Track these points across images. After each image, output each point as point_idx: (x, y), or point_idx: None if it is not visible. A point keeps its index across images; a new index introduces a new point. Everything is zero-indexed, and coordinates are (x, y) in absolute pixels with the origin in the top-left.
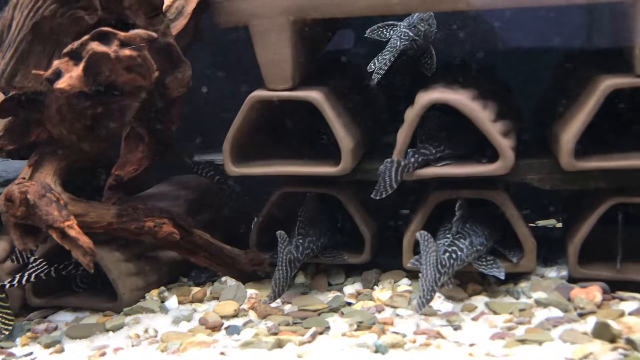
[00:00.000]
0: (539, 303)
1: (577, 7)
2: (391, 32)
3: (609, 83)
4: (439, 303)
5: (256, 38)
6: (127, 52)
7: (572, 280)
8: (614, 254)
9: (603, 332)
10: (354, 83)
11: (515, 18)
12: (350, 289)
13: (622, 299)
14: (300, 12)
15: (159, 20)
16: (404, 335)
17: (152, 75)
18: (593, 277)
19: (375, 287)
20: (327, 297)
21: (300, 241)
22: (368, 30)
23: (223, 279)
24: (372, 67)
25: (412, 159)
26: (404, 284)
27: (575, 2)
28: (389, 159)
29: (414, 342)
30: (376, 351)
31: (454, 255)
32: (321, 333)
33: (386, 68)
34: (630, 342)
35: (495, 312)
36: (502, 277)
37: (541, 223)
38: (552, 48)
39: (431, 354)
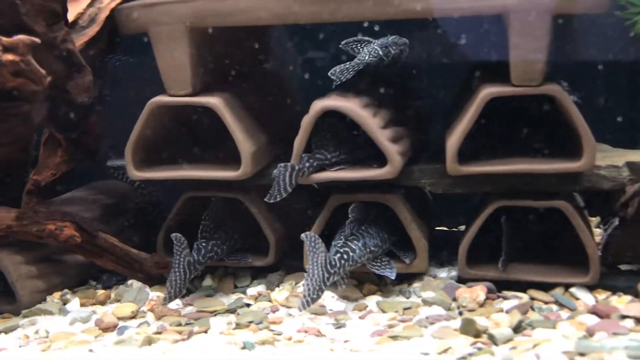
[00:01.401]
0: (426, 302)
1: (481, 19)
2: (364, 47)
3: (487, 92)
4: (332, 302)
5: (156, 45)
6: (9, 56)
7: (462, 280)
8: (506, 255)
9: (468, 328)
10: (283, 93)
11: (425, 32)
12: (253, 290)
13: (505, 298)
14: (198, 20)
15: (59, 27)
16: (280, 333)
17: (42, 80)
18: (480, 277)
19: (277, 288)
20: (230, 299)
21: (203, 244)
22: (343, 42)
23: (129, 282)
24: (334, 72)
25: (307, 164)
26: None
27: (448, 14)
28: (282, 164)
29: (290, 339)
30: (243, 347)
31: (345, 256)
32: (205, 332)
33: (347, 76)
34: (491, 336)
35: (383, 311)
36: (393, 277)
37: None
38: (459, 60)
39: (297, 350)
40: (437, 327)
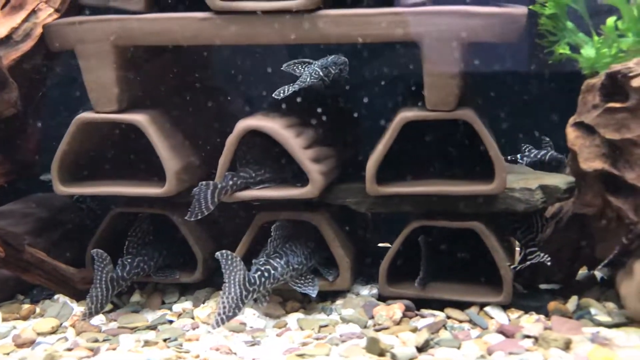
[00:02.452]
0: (344, 319)
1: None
2: (305, 69)
3: (402, 116)
4: (254, 319)
5: (82, 62)
6: None
7: (382, 298)
8: (423, 274)
9: (373, 347)
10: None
11: (360, 55)
12: (178, 307)
13: (422, 316)
14: (123, 39)
15: None
16: (188, 351)
17: None
18: (400, 295)
19: (201, 304)
20: (155, 315)
21: (129, 260)
22: (285, 65)
23: (56, 296)
24: (278, 94)
25: (231, 182)
26: None
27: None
28: (203, 182)
29: (197, 357)
30: None
31: (266, 274)
32: (114, 349)
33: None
34: (393, 356)
35: (301, 329)
36: (314, 295)
37: None
38: (390, 82)
39: None
40: (348, 345)
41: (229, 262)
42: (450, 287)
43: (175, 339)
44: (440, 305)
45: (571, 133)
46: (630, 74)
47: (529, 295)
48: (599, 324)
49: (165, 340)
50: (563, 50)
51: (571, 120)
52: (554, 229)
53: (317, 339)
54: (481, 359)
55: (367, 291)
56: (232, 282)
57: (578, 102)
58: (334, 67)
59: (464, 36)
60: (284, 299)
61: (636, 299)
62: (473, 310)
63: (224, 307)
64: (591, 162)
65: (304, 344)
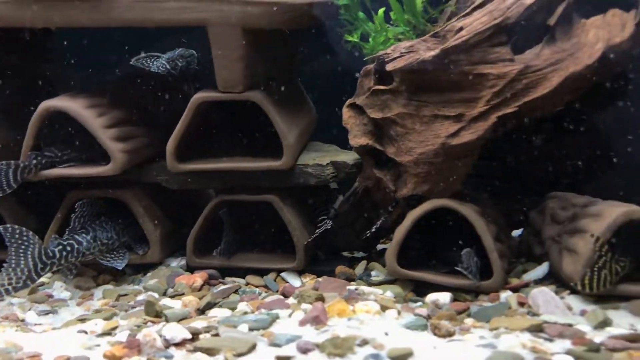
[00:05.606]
0: (146, 289)
1: None
2: (154, 62)
3: (196, 97)
4: (60, 291)
5: None
6: None
7: (191, 268)
8: (224, 245)
9: (150, 310)
10: None
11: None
12: None
13: (224, 283)
14: None
15: None
16: None
17: None
18: (207, 265)
19: None
20: None
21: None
22: (133, 59)
23: None
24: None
25: (35, 161)
26: None
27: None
28: (3, 162)
29: None
30: None
31: (68, 248)
32: None
33: None
34: (166, 316)
35: (104, 298)
36: (119, 268)
37: None
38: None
39: None
40: (135, 310)
41: (16, 236)
42: (254, 256)
43: None
44: (246, 272)
45: (346, 113)
46: (387, 60)
47: (326, 261)
48: (370, 283)
49: None
50: (352, 38)
51: (348, 102)
52: (351, 202)
53: (113, 306)
54: (244, 314)
55: (176, 263)
56: (20, 255)
57: (357, 86)
58: (180, 60)
59: (245, 22)
60: (99, 272)
61: (391, 259)
62: (270, 276)
63: (10, 279)
64: (359, 138)
65: (97, 311)
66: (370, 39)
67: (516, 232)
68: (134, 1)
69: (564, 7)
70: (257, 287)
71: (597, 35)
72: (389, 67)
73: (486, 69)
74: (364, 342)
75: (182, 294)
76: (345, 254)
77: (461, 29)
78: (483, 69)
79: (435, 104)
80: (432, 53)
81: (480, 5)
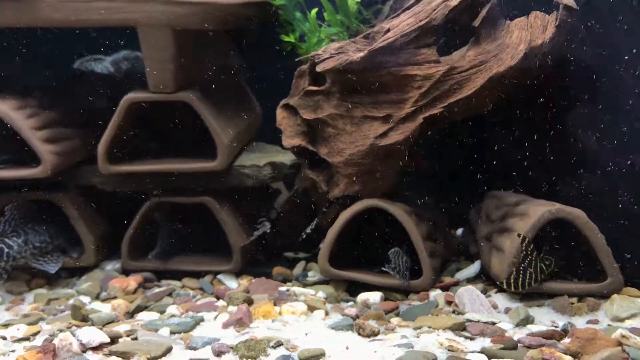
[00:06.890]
0: (78, 292)
1: None
2: (97, 64)
3: (126, 98)
4: None
5: None
6: None
7: (126, 271)
8: (159, 248)
9: (76, 314)
10: None
11: None
12: None
13: (159, 286)
14: None
15: None
16: None
17: None
18: (142, 268)
19: None
20: None
21: None
22: (77, 62)
23: None
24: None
25: None
26: None
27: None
28: None
29: None
30: None
31: None
32: None
33: None
34: (92, 320)
35: (35, 302)
36: (52, 272)
37: None
38: None
39: None
40: (64, 315)
41: None
42: (191, 259)
43: None
44: (184, 275)
45: (280, 114)
46: (317, 60)
47: (266, 262)
48: (305, 284)
49: None
50: (288, 39)
51: (282, 102)
52: (292, 203)
53: (43, 311)
54: (170, 317)
55: (111, 266)
56: None
57: (292, 86)
58: (125, 63)
59: (174, 23)
60: (33, 276)
61: (323, 260)
62: (207, 279)
63: None
64: (292, 139)
65: (25, 316)
66: (306, 40)
67: (460, 231)
68: (60, 1)
69: (488, 8)
70: (192, 289)
71: (520, 36)
72: (319, 67)
73: (413, 70)
74: (278, 344)
75: (115, 297)
76: (290, 254)
77: (388, 30)
78: (410, 70)
79: (365, 105)
80: (361, 54)
81: (409, 7)
